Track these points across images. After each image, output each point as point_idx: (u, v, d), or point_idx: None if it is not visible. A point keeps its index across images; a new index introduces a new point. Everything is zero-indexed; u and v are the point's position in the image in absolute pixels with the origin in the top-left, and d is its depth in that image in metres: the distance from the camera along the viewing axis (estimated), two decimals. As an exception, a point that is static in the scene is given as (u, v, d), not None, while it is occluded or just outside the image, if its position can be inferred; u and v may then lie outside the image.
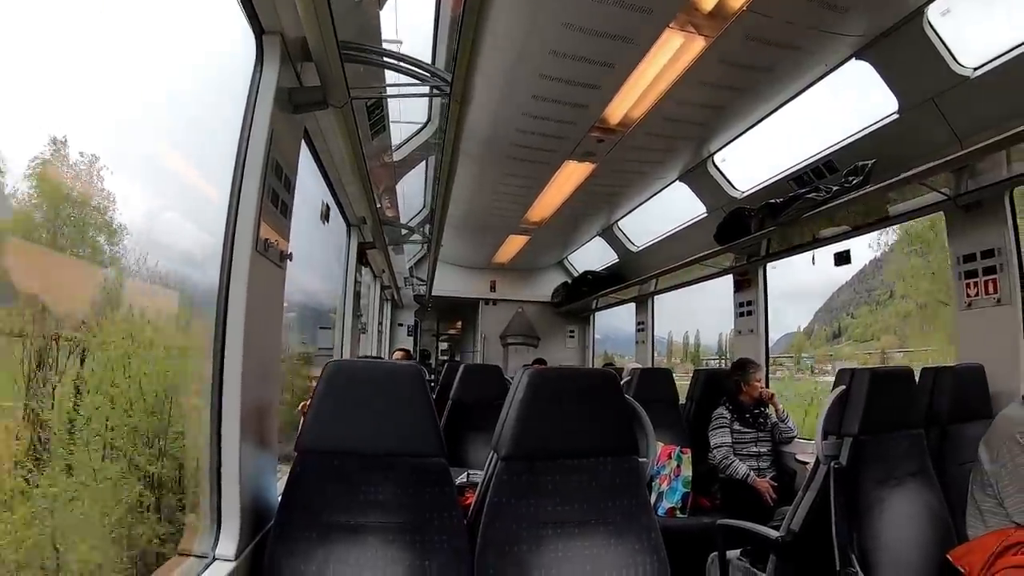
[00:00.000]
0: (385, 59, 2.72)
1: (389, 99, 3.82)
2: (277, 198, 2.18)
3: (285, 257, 2.33)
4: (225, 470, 1.97)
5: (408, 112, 5.01)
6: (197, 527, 1.98)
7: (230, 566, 1.85)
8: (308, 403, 2.56)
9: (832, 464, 2.71)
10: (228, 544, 1.92)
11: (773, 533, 3.05)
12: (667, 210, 6.98)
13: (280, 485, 2.25)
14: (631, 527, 2.15)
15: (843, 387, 2.80)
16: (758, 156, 5.36)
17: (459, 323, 15.91)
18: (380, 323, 8.90)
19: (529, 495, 2.12)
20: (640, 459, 2.31)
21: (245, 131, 2.04)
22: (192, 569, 1.82)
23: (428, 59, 4.26)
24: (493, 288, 11.01)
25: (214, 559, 1.89)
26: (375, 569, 1.95)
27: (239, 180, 2.00)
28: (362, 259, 5.74)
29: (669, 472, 4.52)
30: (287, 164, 2.28)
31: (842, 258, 4.95)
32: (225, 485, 1.96)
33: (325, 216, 4.18)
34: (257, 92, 2.07)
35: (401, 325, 11.61)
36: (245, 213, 1.99)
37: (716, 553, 3.52)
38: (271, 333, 2.31)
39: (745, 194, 5.60)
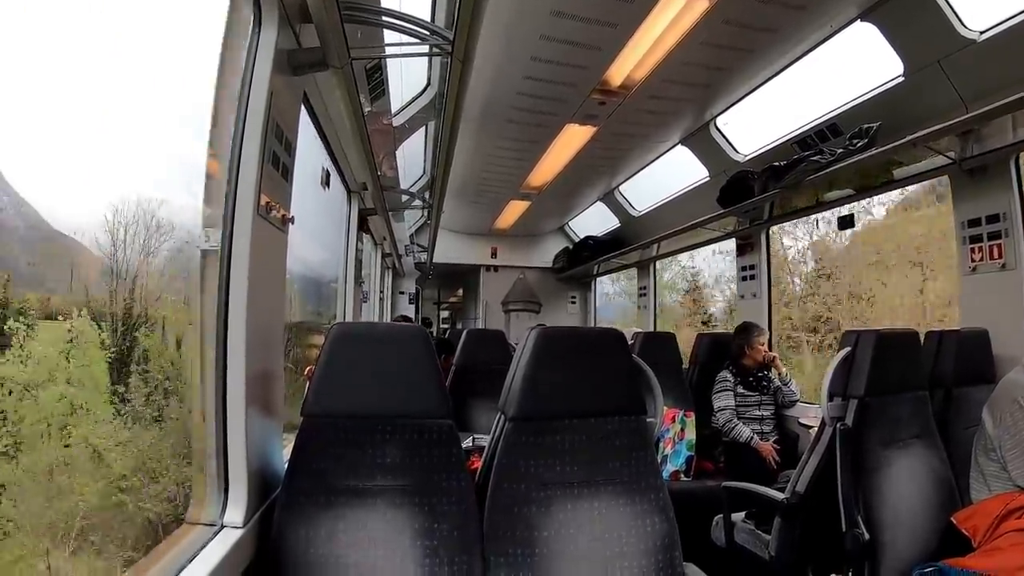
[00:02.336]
0: (385, 18, 2.67)
1: (389, 62, 3.77)
2: (278, 161, 2.16)
3: (287, 221, 2.31)
4: (231, 437, 1.95)
5: (407, 77, 4.95)
6: (203, 498, 1.95)
7: (238, 533, 1.85)
8: (310, 368, 2.54)
9: (838, 425, 2.71)
10: (236, 511, 1.92)
11: (778, 495, 3.08)
12: (669, 175, 6.95)
13: (286, 453, 2.25)
14: (639, 487, 2.16)
15: (848, 349, 2.79)
16: (761, 119, 5.31)
17: (460, 291, 15.91)
18: (381, 291, 8.89)
19: (537, 455, 2.12)
20: (648, 419, 2.30)
21: (244, 92, 2.00)
22: (201, 537, 1.80)
23: (428, 18, 4.23)
24: (494, 255, 10.99)
25: (222, 527, 1.88)
26: (384, 532, 1.95)
27: (239, 142, 1.97)
28: (363, 226, 5.71)
29: (673, 435, 4.54)
30: (287, 127, 2.25)
31: (846, 222, 4.93)
32: (231, 453, 1.95)
33: (326, 182, 4.15)
34: (256, 54, 2.03)
35: (402, 293, 11.59)
36: (246, 176, 1.97)
37: (721, 515, 3.55)
38: (274, 299, 2.29)
39: (748, 158, 5.56)
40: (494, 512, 2.05)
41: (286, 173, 2.28)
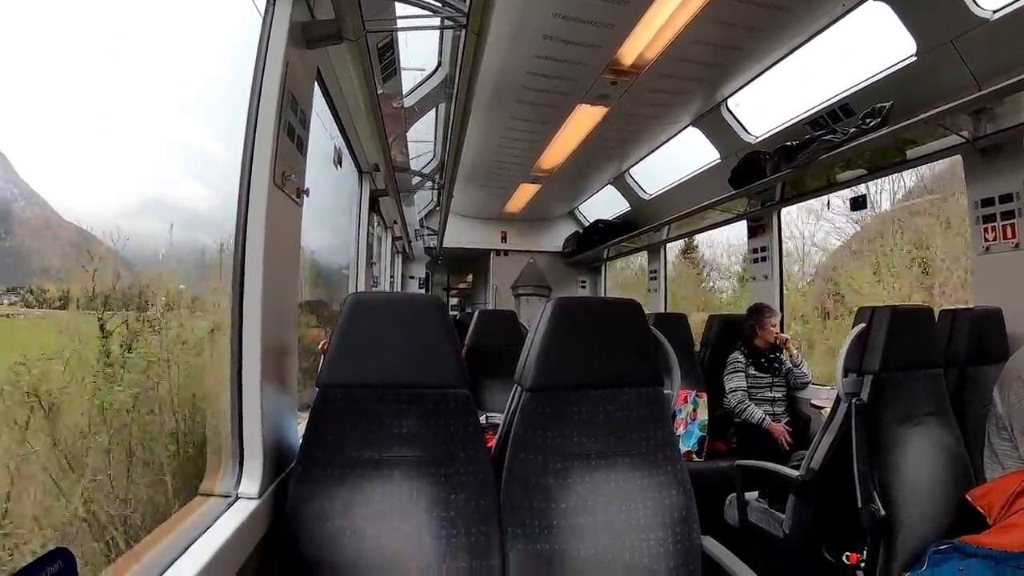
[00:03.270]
0: (399, -11, 2.68)
1: (400, 42, 3.77)
2: (293, 132, 2.15)
3: (302, 194, 2.30)
4: (246, 409, 1.95)
5: (418, 58, 4.95)
6: (218, 469, 1.95)
7: (253, 504, 1.84)
8: (324, 343, 2.54)
9: (853, 401, 2.71)
10: (251, 483, 1.91)
11: (793, 472, 3.10)
12: (679, 158, 6.94)
13: (301, 428, 2.26)
14: (656, 459, 2.15)
15: (863, 325, 2.80)
16: (773, 100, 5.31)
17: (470, 276, 15.92)
18: (392, 276, 8.90)
19: (554, 426, 2.11)
20: (664, 391, 2.29)
21: (260, 64, 1.99)
22: (215, 508, 1.79)
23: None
24: (504, 239, 10.98)
25: (237, 497, 1.88)
26: (400, 503, 1.95)
27: (255, 111, 1.97)
28: (374, 207, 5.71)
29: (686, 416, 4.56)
30: (302, 100, 2.24)
31: (858, 203, 4.92)
32: (247, 425, 1.95)
33: (338, 160, 4.16)
34: (271, 26, 2.02)
35: (412, 278, 11.59)
36: (262, 144, 1.96)
37: (734, 495, 3.57)
38: (289, 272, 2.29)
39: (759, 139, 5.55)
40: (511, 483, 2.04)
41: (301, 146, 2.27)
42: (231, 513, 1.76)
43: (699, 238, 10.87)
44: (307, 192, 2.36)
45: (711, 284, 11.61)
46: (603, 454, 2.13)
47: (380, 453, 1.99)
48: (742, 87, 5.20)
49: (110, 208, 2.15)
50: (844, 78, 4.49)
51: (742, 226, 6.26)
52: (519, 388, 2.19)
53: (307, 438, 1.97)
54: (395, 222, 7.64)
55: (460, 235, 10.50)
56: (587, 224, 10.05)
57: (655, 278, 8.72)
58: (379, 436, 2.01)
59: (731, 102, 5.54)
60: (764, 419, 4.76)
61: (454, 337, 2.15)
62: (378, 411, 2.03)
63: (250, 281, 1.95)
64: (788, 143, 4.59)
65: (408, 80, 4.96)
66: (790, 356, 5.08)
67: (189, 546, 1.49)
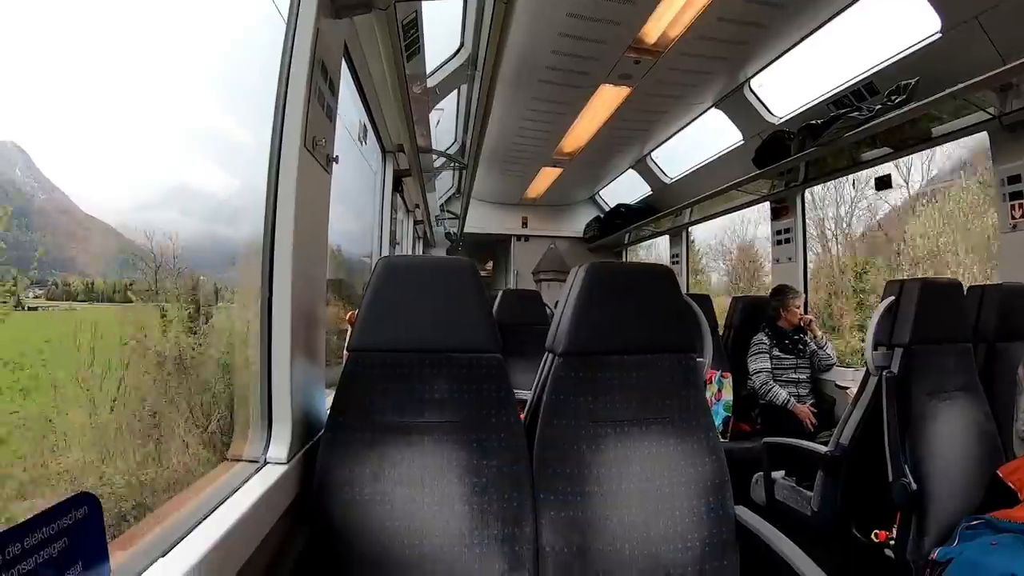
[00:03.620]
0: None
1: (424, 20, 3.77)
2: (323, 99, 2.13)
3: (331, 161, 2.29)
4: (275, 374, 1.94)
5: (440, 40, 4.94)
6: (245, 435, 1.95)
7: (282, 469, 1.83)
8: (351, 313, 2.53)
9: (884, 373, 2.70)
10: (279, 448, 1.90)
11: (821, 448, 3.08)
12: (701, 141, 6.93)
13: (329, 400, 2.26)
14: (689, 426, 2.12)
15: (892, 298, 2.78)
16: (796, 80, 5.27)
17: (490, 262, 15.93)
18: (413, 260, 8.88)
19: (587, 392, 2.08)
20: (697, 359, 2.25)
21: (290, 30, 2.00)
22: (243, 472, 1.78)
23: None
24: (525, 224, 10.96)
25: (265, 463, 1.87)
26: (431, 469, 1.94)
27: (285, 77, 1.96)
28: (397, 187, 5.72)
29: (711, 396, 4.55)
30: (332, 69, 2.23)
31: (883, 182, 4.87)
32: (276, 390, 1.94)
33: (363, 137, 4.17)
34: None
35: None
36: (293, 107, 1.95)
37: (761, 473, 3.55)
38: (318, 240, 2.27)
39: (783, 119, 5.52)
40: (543, 449, 2.02)
41: (330, 114, 2.26)
42: (259, 478, 1.76)
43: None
44: (336, 159, 2.35)
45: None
46: (636, 420, 2.09)
47: (411, 418, 1.98)
48: (765, 67, 5.17)
49: (139, 201, 2.18)
50: (868, 56, 4.46)
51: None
52: (551, 355, 2.18)
53: (337, 403, 1.96)
54: (417, 206, 7.64)
55: (481, 220, 10.50)
56: (608, 209, 10.04)
57: (677, 262, 8.70)
58: (410, 401, 1.99)
59: (754, 83, 5.50)
60: (788, 400, 4.75)
61: (486, 301, 2.13)
62: (409, 376, 2.01)
63: (280, 246, 1.94)
64: (813, 121, 4.57)
65: (430, 62, 4.97)
66: (814, 337, 5.06)
67: (216, 508, 1.48)
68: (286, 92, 1.97)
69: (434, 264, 2.19)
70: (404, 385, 2.00)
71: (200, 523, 1.38)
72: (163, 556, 1.19)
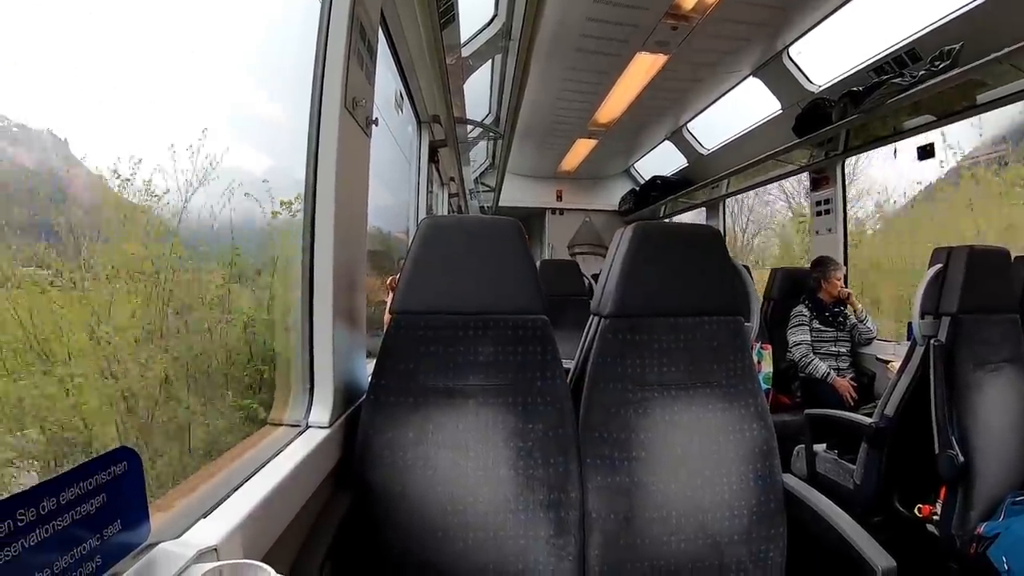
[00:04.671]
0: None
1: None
2: (362, 60, 2.11)
3: (370, 123, 2.26)
4: (317, 338, 1.94)
5: (472, 9, 4.91)
6: (286, 400, 1.94)
7: (324, 432, 1.83)
8: (392, 278, 2.53)
9: (932, 342, 2.66)
10: (321, 412, 1.91)
11: (865, 420, 3.03)
12: (738, 112, 6.80)
13: (370, 365, 2.23)
14: (737, 391, 2.08)
15: (939, 265, 2.74)
16: (836, 47, 5.15)
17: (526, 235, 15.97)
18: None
19: (634, 355, 2.04)
20: (745, 323, 2.20)
21: None
22: (285, 436, 1.78)
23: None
24: (560, 197, 10.93)
25: (307, 426, 1.87)
26: (475, 433, 1.92)
27: (324, 36, 1.94)
28: (432, 159, 5.72)
29: (751, 367, 4.53)
30: (370, 31, 2.20)
31: (925, 151, 4.77)
32: (317, 354, 1.94)
33: (399, 105, 4.17)
34: None
35: None
36: (332, 66, 1.93)
37: (802, 446, 3.53)
38: (359, 203, 2.25)
39: (822, 88, 5.40)
40: (590, 413, 1.99)
41: (369, 76, 2.23)
42: (301, 441, 1.75)
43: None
44: (376, 122, 2.33)
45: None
46: (683, 385, 2.06)
47: (455, 381, 1.95)
48: (804, 33, 5.05)
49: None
50: (910, 21, 4.33)
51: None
52: (597, 318, 2.14)
53: (379, 366, 1.94)
54: (452, 178, 7.61)
55: (515, 194, 10.47)
56: (643, 182, 9.94)
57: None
58: (454, 364, 1.97)
59: (793, 50, 5.39)
60: (829, 373, 4.71)
61: (531, 261, 2.09)
62: (453, 338, 1.98)
63: (322, 209, 1.93)
64: (854, 88, 4.48)
65: (463, 32, 4.94)
66: (854, 311, 5.00)
67: (257, 471, 1.48)
68: (325, 51, 1.95)
69: (479, 224, 2.13)
70: (448, 348, 1.97)
71: (242, 485, 1.38)
72: (204, 517, 1.18)
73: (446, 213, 7.89)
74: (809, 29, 4.94)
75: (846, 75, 5.08)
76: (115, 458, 0.86)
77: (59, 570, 0.74)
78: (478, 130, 7.40)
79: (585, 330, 2.19)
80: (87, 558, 0.79)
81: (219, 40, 2.10)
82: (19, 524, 0.69)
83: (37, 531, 0.71)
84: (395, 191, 5.49)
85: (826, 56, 5.30)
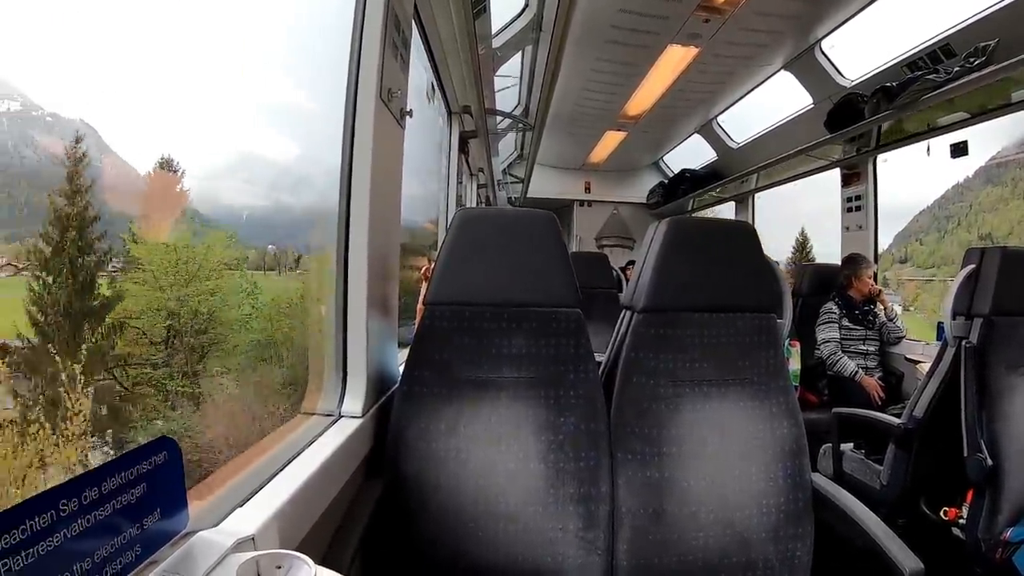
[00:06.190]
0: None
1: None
2: (396, 51, 2.11)
3: (405, 115, 2.27)
4: (351, 329, 1.96)
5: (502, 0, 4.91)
6: (318, 391, 1.96)
7: (357, 422, 1.85)
8: (426, 268, 2.54)
9: (963, 343, 2.63)
10: (354, 402, 1.93)
11: (894, 420, 3.01)
12: (769, 105, 6.80)
13: (400, 355, 2.24)
14: (768, 388, 2.07)
15: (972, 266, 2.71)
16: (868, 42, 5.13)
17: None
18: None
19: (666, 350, 2.04)
20: (777, 320, 2.19)
21: None
22: (318, 425, 1.80)
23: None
24: (588, 189, 10.88)
25: (340, 416, 1.89)
26: (507, 425, 1.93)
27: (359, 26, 1.95)
28: (462, 150, 5.72)
29: (779, 365, 4.51)
30: (404, 23, 2.21)
31: (958, 149, 4.71)
32: (351, 344, 1.96)
33: (431, 95, 4.19)
34: None
35: None
36: (368, 57, 1.93)
37: (828, 445, 3.51)
38: (392, 194, 2.25)
39: (854, 82, 5.34)
40: (622, 407, 1.99)
41: (403, 67, 2.24)
42: (334, 431, 1.77)
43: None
44: (410, 113, 2.33)
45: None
46: (715, 381, 2.05)
47: (487, 373, 1.96)
48: (837, 27, 5.00)
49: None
50: (944, 16, 4.28)
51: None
52: (629, 312, 2.14)
53: (412, 357, 1.95)
54: (481, 169, 7.64)
55: (543, 185, 10.45)
56: (672, 175, 9.91)
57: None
58: (487, 356, 1.98)
59: (826, 44, 5.33)
60: (857, 372, 4.67)
61: (566, 254, 2.09)
62: (486, 330, 1.99)
63: (356, 199, 1.94)
64: (887, 84, 4.44)
65: (494, 23, 4.95)
66: (884, 309, 4.96)
67: (292, 460, 1.49)
68: (360, 43, 1.95)
69: (513, 216, 2.14)
70: (481, 339, 1.99)
71: (277, 474, 1.40)
72: (241, 506, 1.21)
73: (475, 204, 7.91)
74: (842, 23, 4.89)
75: (879, 70, 5.03)
76: (156, 448, 0.88)
77: (99, 559, 0.75)
78: (507, 121, 7.40)
79: (617, 324, 2.19)
80: (127, 547, 0.80)
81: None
82: (61, 514, 0.70)
83: (79, 521, 0.72)
84: (422, 181, 5.52)
85: (859, 50, 5.27)
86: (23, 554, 0.63)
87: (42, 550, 0.66)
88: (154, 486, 0.86)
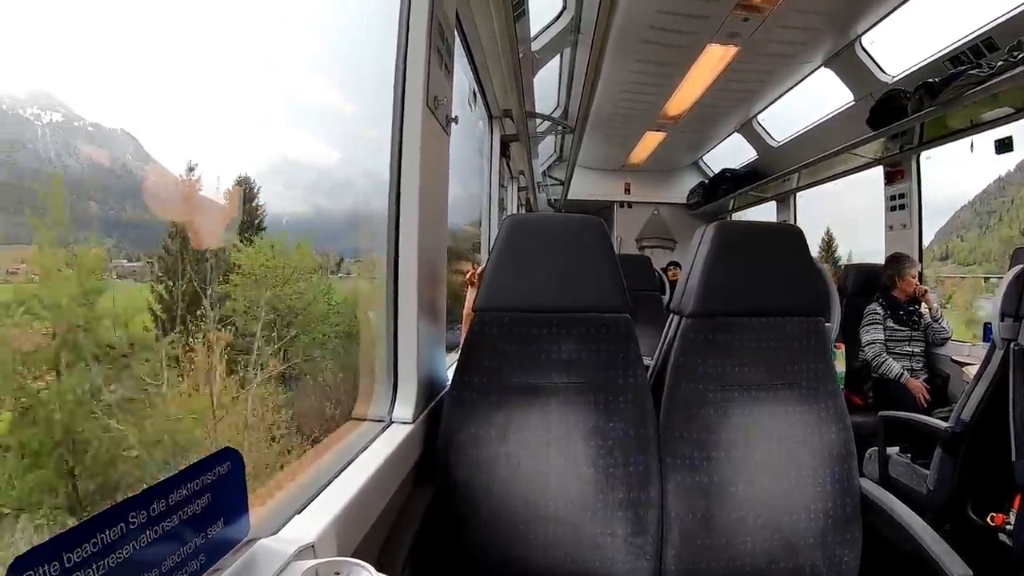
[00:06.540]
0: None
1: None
2: (441, 59, 2.13)
3: (450, 121, 2.28)
4: (402, 335, 1.98)
5: (539, 2, 4.93)
6: (369, 396, 1.98)
7: (408, 428, 1.86)
8: (472, 273, 2.57)
9: (1012, 345, 2.60)
10: (405, 408, 1.94)
11: (941, 424, 2.98)
12: (810, 102, 6.71)
13: (447, 360, 2.25)
14: (817, 393, 2.07)
15: (1021, 266, 2.68)
16: (909, 36, 5.05)
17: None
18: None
19: (715, 355, 2.04)
20: (825, 323, 2.19)
21: None
22: (369, 431, 1.82)
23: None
24: (628, 190, 10.84)
25: (391, 422, 1.90)
26: (557, 431, 1.94)
27: (404, 34, 1.97)
28: (503, 153, 5.75)
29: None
30: (447, 31, 2.23)
31: (1004, 145, 4.64)
32: (402, 351, 1.98)
33: (472, 101, 4.23)
34: None
35: None
36: (414, 66, 1.95)
37: (874, 449, 3.48)
38: (439, 200, 2.26)
39: (896, 78, 5.28)
40: (671, 412, 1.99)
41: (448, 75, 2.25)
42: (385, 437, 1.79)
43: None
44: (455, 120, 2.35)
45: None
46: (763, 385, 2.05)
47: (537, 379, 1.97)
48: (877, 23, 4.96)
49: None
50: (985, 10, 4.23)
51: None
52: (677, 316, 2.13)
53: (462, 363, 1.97)
54: (521, 172, 7.65)
55: (583, 187, 10.44)
56: (712, 175, 9.86)
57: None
58: (536, 361, 1.98)
59: (866, 39, 5.28)
60: (902, 374, 4.62)
61: (614, 259, 2.09)
62: (536, 336, 2.00)
63: (406, 207, 1.96)
64: (930, 79, 4.39)
65: (534, 24, 4.97)
66: (930, 310, 4.89)
67: (346, 467, 1.52)
68: (406, 51, 1.97)
69: (562, 222, 2.13)
70: (531, 345, 1.99)
71: (332, 481, 1.41)
72: (298, 513, 1.23)
73: (516, 207, 7.94)
74: (882, 18, 4.85)
75: (921, 65, 4.97)
76: (220, 459, 0.90)
77: (166, 569, 0.78)
78: (546, 124, 7.42)
79: (665, 328, 2.19)
80: (192, 556, 0.83)
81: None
82: (131, 527, 0.72)
83: (147, 533, 0.75)
84: (462, 182, 5.57)
85: (899, 45, 5.21)
86: (94, 566, 0.66)
87: (112, 562, 0.69)
88: (218, 496, 0.88)
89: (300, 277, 2.50)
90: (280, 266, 2.38)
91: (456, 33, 3.05)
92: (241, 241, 2.32)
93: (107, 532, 0.68)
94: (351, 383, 2.31)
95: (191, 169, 1.98)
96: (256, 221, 2.37)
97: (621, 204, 11.03)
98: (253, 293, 2.24)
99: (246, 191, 2.24)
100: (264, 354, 2.29)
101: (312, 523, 1.17)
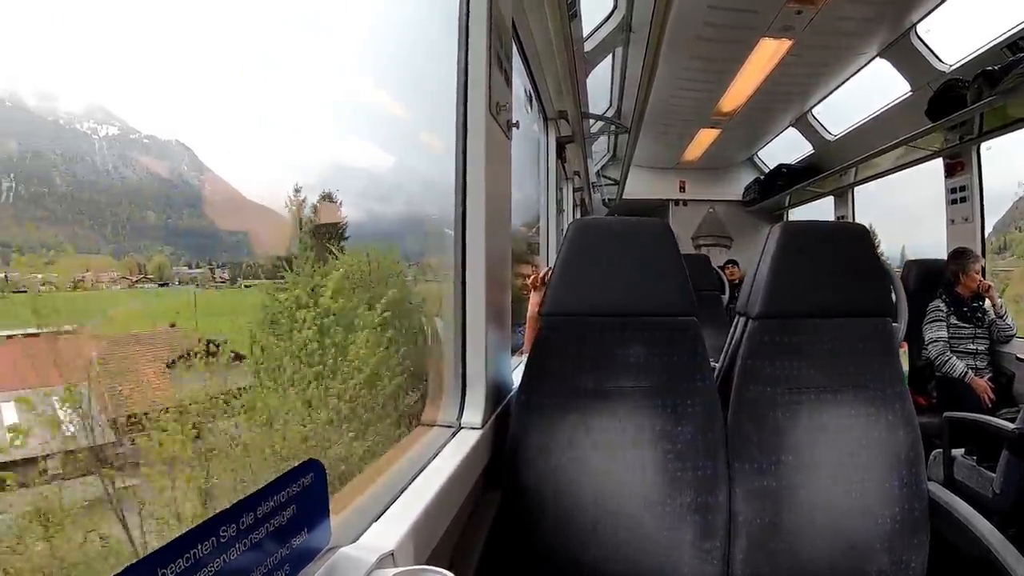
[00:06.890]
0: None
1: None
2: (501, 64, 2.15)
3: (511, 127, 2.30)
4: (470, 340, 2.01)
5: (590, 2, 4.97)
6: (437, 402, 2.01)
7: (476, 433, 1.87)
8: (535, 276, 2.62)
9: None
10: (474, 413, 1.97)
11: (1008, 425, 2.94)
12: (865, 94, 6.64)
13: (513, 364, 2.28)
14: (885, 395, 2.05)
15: None
16: (965, 24, 4.98)
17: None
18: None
19: (782, 357, 2.04)
20: (892, 324, 2.17)
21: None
22: (439, 436, 1.84)
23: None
24: (683, 188, 10.76)
25: (460, 428, 1.92)
26: (625, 435, 1.95)
27: (464, 42, 2.00)
28: (559, 155, 5.78)
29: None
30: (505, 35, 2.25)
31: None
32: (470, 356, 2.01)
33: (529, 103, 4.29)
34: None
35: None
36: (475, 74, 1.99)
37: (939, 451, 3.43)
38: (503, 206, 2.30)
39: (953, 67, 5.19)
40: (739, 415, 2.00)
41: (508, 79, 2.28)
42: (455, 442, 1.81)
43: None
44: (516, 125, 2.38)
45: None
46: (831, 388, 2.04)
47: (604, 383, 1.98)
48: (932, 10, 4.88)
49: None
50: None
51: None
52: (744, 318, 2.14)
53: (530, 367, 1.99)
54: (576, 173, 7.66)
55: (637, 186, 10.39)
56: (767, 171, 9.74)
57: (842, 223, 8.35)
58: (604, 366, 1.99)
59: (921, 28, 5.20)
60: (966, 372, 4.53)
61: (681, 262, 2.09)
62: (604, 340, 2.01)
63: (472, 213, 1.99)
64: (989, 68, 4.33)
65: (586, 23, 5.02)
66: (993, 306, 4.81)
67: (419, 473, 1.54)
68: (467, 60, 2.01)
69: (628, 225, 2.14)
70: (598, 350, 2.01)
71: (406, 488, 1.43)
72: (376, 520, 1.24)
73: (570, 208, 7.96)
74: (937, 5, 4.78)
75: (979, 53, 4.89)
76: (304, 470, 0.93)
77: None
78: (599, 124, 7.43)
79: (731, 330, 2.21)
80: (278, 566, 0.86)
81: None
82: (221, 540, 0.75)
83: (236, 546, 0.78)
84: (518, 182, 5.64)
85: (956, 33, 5.13)
86: (187, 580, 0.70)
87: (203, 576, 0.73)
88: (301, 506, 0.91)
89: (392, 282, 2.66)
90: (374, 270, 2.55)
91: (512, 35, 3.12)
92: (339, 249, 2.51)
93: (199, 547, 0.72)
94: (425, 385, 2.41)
95: (298, 191, 2.14)
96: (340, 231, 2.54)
97: (676, 202, 10.94)
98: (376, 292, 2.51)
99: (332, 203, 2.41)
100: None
101: (390, 530, 1.19)
